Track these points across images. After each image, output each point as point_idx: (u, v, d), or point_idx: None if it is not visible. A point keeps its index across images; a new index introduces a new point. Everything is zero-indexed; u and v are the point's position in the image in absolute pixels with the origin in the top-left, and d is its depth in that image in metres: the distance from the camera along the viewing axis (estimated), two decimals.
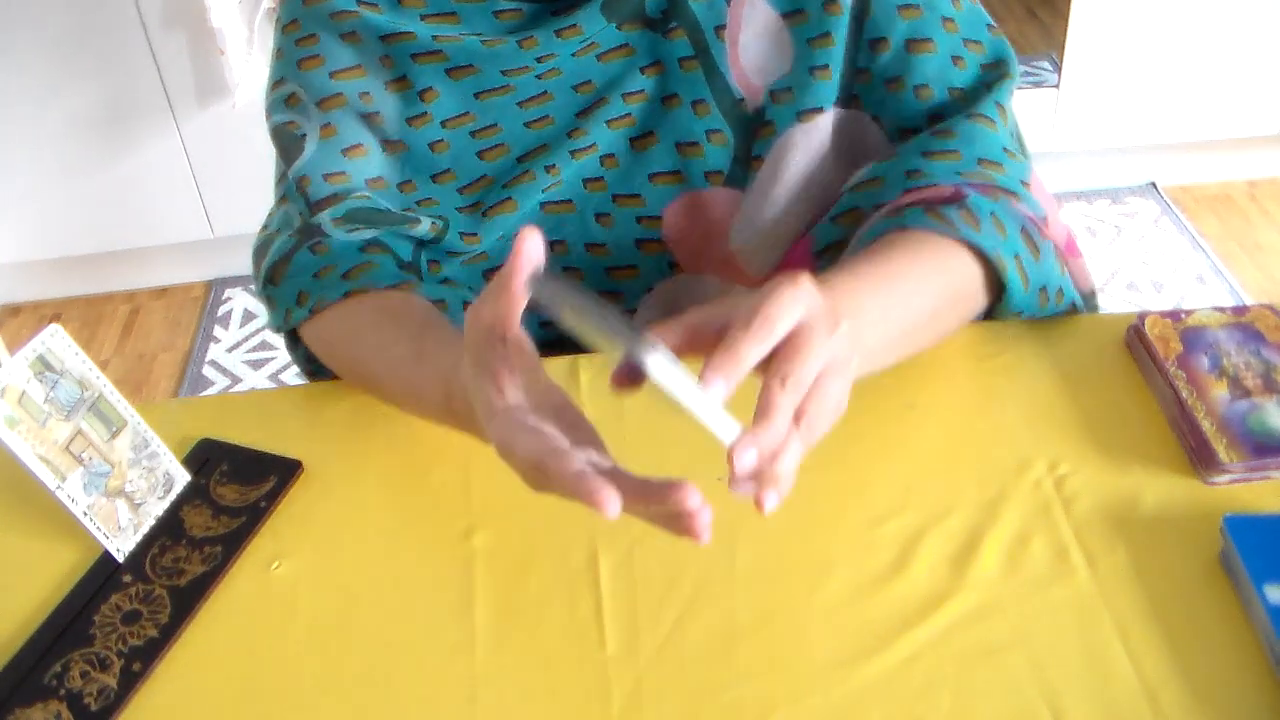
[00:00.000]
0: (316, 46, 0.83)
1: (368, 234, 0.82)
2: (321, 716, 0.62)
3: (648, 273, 0.89)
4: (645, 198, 0.86)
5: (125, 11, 2.00)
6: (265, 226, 0.89)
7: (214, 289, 2.40)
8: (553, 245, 0.88)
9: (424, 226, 0.83)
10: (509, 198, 0.85)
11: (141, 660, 0.64)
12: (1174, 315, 0.79)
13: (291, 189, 0.84)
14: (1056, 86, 2.23)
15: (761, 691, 0.60)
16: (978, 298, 0.77)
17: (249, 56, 2.07)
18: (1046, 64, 2.44)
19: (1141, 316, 0.79)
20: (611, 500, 0.50)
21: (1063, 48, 2.18)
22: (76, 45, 2.03)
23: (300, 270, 0.81)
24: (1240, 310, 0.79)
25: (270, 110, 0.86)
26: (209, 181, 2.21)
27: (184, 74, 2.08)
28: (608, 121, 0.84)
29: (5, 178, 2.17)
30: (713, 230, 0.87)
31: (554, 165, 0.84)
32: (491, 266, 0.88)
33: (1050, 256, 0.78)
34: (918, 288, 0.71)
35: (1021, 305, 0.78)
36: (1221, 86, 2.24)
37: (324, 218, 0.82)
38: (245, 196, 2.02)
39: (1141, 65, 2.20)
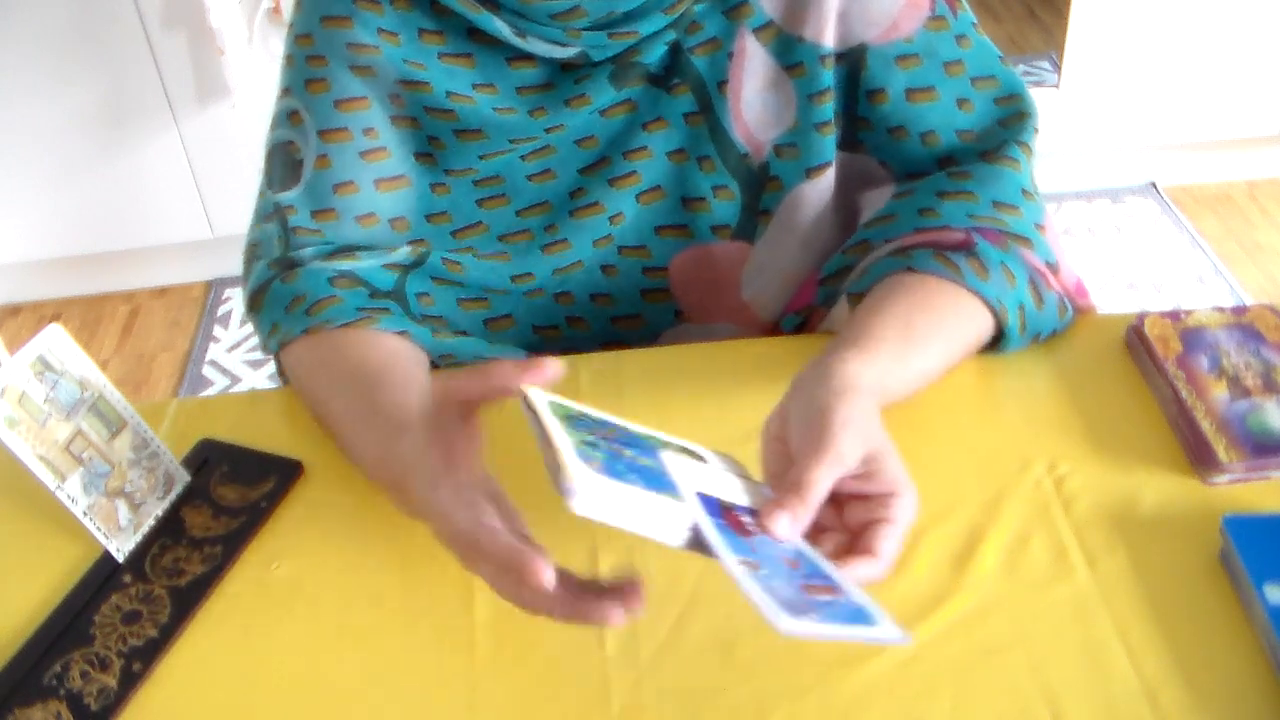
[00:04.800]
0: (325, 70, 0.81)
1: (345, 265, 0.81)
2: (321, 716, 0.62)
3: (653, 322, 0.89)
4: (651, 250, 0.86)
5: (125, 11, 2.00)
6: (252, 235, 0.88)
7: (214, 289, 2.39)
8: (557, 296, 0.87)
9: (404, 251, 0.83)
10: (504, 251, 0.85)
11: (141, 660, 0.64)
12: (1174, 315, 0.79)
13: (273, 209, 0.84)
14: (1056, 86, 2.23)
15: (761, 691, 0.60)
16: (983, 340, 0.77)
17: (249, 56, 2.07)
18: (1046, 64, 2.45)
19: (1141, 316, 0.79)
20: (545, 569, 0.51)
21: (1063, 48, 2.18)
22: (76, 45, 2.03)
23: (275, 301, 0.80)
24: (1240, 310, 0.79)
25: (275, 121, 0.85)
26: (209, 181, 2.21)
27: (184, 74, 2.07)
28: (611, 181, 0.83)
29: (5, 178, 2.17)
30: (722, 281, 0.87)
31: (554, 225, 0.84)
32: (490, 316, 0.87)
33: (1052, 308, 0.78)
34: (935, 335, 0.72)
35: (1015, 348, 0.78)
36: (1221, 86, 2.24)
37: (307, 254, 0.81)
38: (245, 196, 2.01)
39: (1141, 65, 2.20)
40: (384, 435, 0.66)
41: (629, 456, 0.53)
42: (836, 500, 0.59)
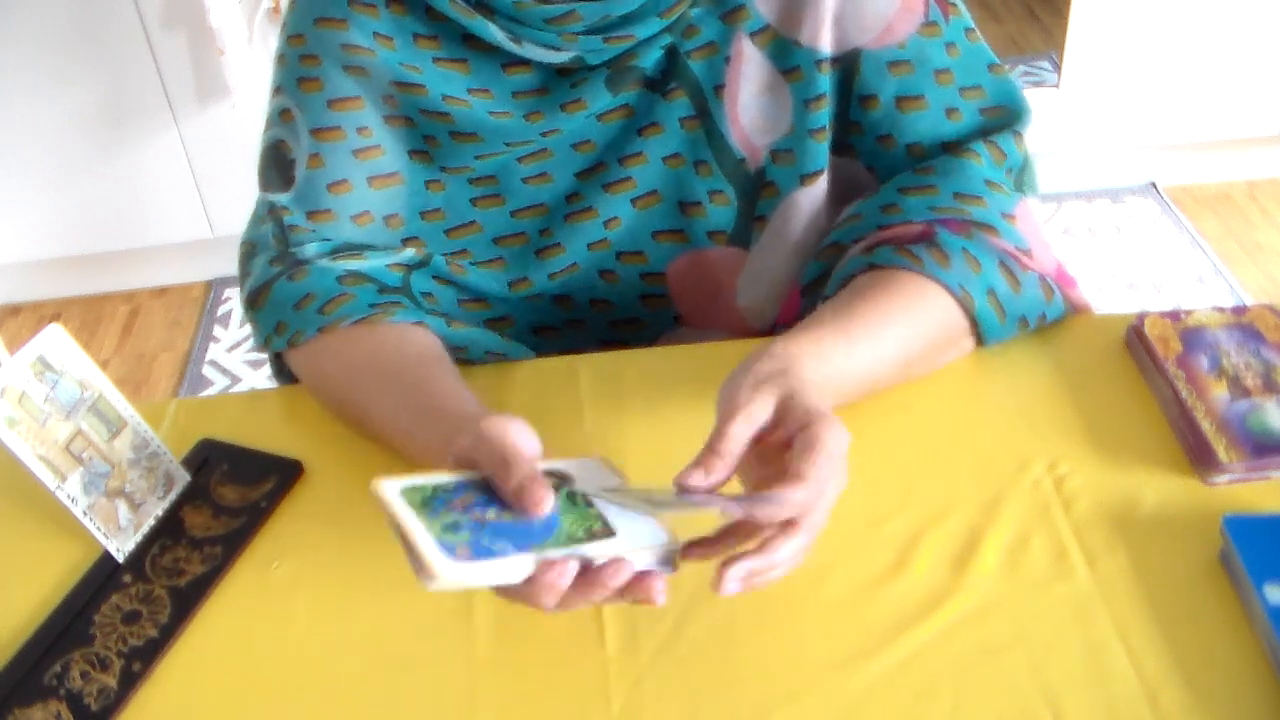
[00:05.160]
0: (318, 69, 0.81)
1: (352, 264, 0.81)
2: (321, 716, 0.62)
3: (653, 326, 0.89)
4: (648, 255, 0.86)
5: (125, 11, 2.00)
6: (249, 234, 0.88)
7: (214, 289, 2.39)
8: (556, 300, 0.87)
9: (409, 252, 0.83)
10: (500, 257, 0.85)
11: (141, 660, 0.64)
12: (1174, 315, 0.78)
13: (268, 210, 0.84)
14: (1056, 86, 2.23)
15: (761, 691, 0.60)
16: (954, 331, 0.76)
17: (249, 56, 2.07)
18: (1046, 64, 2.44)
19: (1141, 316, 0.79)
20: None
21: (1063, 48, 2.18)
22: (76, 45, 2.03)
23: (280, 299, 0.80)
24: (1240, 310, 0.79)
25: (268, 121, 0.85)
26: (209, 181, 2.21)
27: (183, 74, 2.07)
28: (605, 186, 0.83)
29: (5, 178, 2.17)
30: (718, 287, 0.87)
31: (548, 229, 0.84)
32: (489, 317, 0.87)
33: (1033, 288, 0.78)
34: (886, 325, 0.72)
35: (999, 336, 0.78)
36: (1221, 86, 2.24)
37: (309, 251, 0.81)
38: (245, 196, 2.01)
39: (1141, 65, 2.20)
40: (450, 429, 0.65)
41: (492, 520, 0.56)
42: (778, 463, 0.60)
